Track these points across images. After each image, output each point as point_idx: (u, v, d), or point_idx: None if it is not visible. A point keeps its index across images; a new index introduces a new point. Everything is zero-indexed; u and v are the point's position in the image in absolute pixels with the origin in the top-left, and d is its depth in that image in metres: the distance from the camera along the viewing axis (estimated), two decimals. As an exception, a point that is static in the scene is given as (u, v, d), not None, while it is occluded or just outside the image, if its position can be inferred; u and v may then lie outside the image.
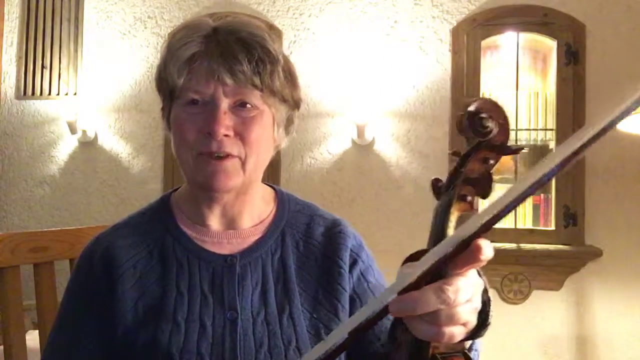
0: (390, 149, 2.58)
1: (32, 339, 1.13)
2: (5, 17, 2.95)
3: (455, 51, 2.55)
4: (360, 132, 2.51)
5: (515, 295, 2.44)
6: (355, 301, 0.81)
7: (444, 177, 0.59)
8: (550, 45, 2.56)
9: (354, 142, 2.59)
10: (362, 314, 0.49)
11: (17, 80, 2.92)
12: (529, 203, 2.49)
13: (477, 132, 0.52)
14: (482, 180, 0.52)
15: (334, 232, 0.83)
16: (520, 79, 2.58)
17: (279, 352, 0.73)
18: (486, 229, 0.44)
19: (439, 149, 2.54)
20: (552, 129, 2.48)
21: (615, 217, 2.39)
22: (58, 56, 2.88)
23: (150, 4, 2.83)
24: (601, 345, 2.40)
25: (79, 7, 2.87)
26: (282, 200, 0.86)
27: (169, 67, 0.73)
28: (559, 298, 2.43)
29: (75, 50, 2.87)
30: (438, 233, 0.52)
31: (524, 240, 2.42)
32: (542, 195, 2.51)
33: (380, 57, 2.59)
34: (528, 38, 2.60)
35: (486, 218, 0.44)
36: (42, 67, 2.90)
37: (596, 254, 2.38)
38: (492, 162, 0.53)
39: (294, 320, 0.75)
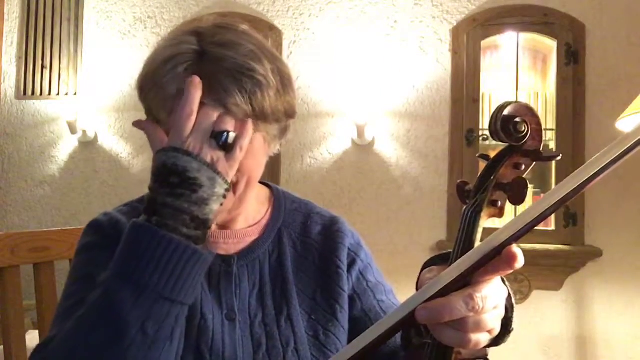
0: (390, 149, 2.58)
1: (32, 339, 1.13)
2: (5, 17, 2.95)
3: (455, 51, 2.55)
4: (360, 132, 2.51)
5: (515, 295, 2.42)
6: (356, 301, 0.80)
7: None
8: (550, 45, 2.56)
9: (354, 142, 2.59)
10: (388, 321, 0.49)
11: (17, 80, 2.92)
12: (528, 203, 2.49)
13: (510, 137, 0.50)
14: (516, 186, 0.51)
15: (331, 231, 0.82)
16: (520, 79, 2.58)
17: (278, 354, 0.72)
18: (519, 237, 0.45)
19: (439, 149, 2.54)
20: (552, 129, 2.48)
21: (615, 217, 2.39)
22: (58, 56, 2.88)
23: (150, 4, 2.83)
24: (601, 345, 2.40)
25: (79, 7, 2.87)
26: (278, 200, 0.85)
27: (150, 95, 0.69)
28: (559, 298, 2.43)
29: (75, 50, 2.87)
30: (466, 238, 0.52)
31: (523, 240, 2.41)
32: (542, 195, 2.51)
33: (380, 57, 2.60)
34: (528, 38, 2.60)
35: (519, 225, 0.44)
36: (42, 67, 2.90)
37: (596, 254, 2.38)
38: (524, 168, 0.52)
39: (292, 322, 0.75)
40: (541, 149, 0.52)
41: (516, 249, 0.46)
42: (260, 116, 0.68)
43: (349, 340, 0.78)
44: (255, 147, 0.71)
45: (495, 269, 0.46)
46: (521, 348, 2.42)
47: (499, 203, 0.52)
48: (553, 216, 2.45)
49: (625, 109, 1.77)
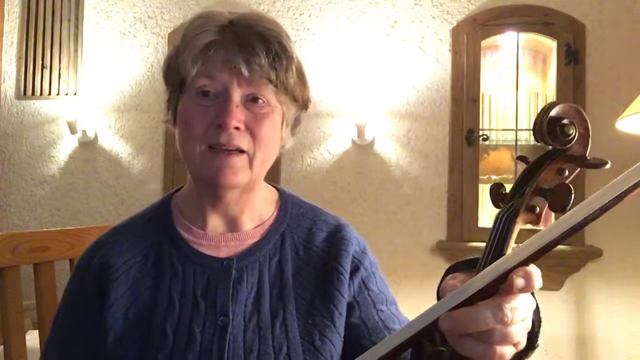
0: (390, 149, 2.58)
1: (32, 339, 1.13)
2: (5, 17, 2.95)
3: (455, 51, 2.55)
4: (360, 132, 2.51)
5: (515, 295, 2.43)
6: (354, 308, 0.78)
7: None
8: (550, 45, 2.56)
9: (354, 142, 2.59)
10: (409, 329, 0.47)
11: (17, 80, 2.92)
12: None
13: (556, 140, 0.47)
14: (558, 191, 0.47)
15: (336, 238, 0.81)
16: (520, 79, 2.58)
17: (269, 359, 0.71)
18: (529, 261, 0.44)
19: (439, 149, 2.54)
20: (552, 129, 2.48)
21: (615, 217, 2.39)
22: (58, 56, 2.88)
23: (150, 4, 2.83)
24: (601, 345, 2.40)
25: (79, 7, 2.87)
26: (285, 203, 0.85)
27: (183, 56, 0.71)
28: (559, 298, 2.43)
29: (75, 50, 2.87)
30: (498, 244, 0.49)
31: (523, 240, 2.41)
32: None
33: (380, 57, 2.59)
34: (528, 38, 2.60)
35: (532, 249, 0.43)
36: (42, 67, 2.90)
37: (596, 254, 2.38)
38: (567, 173, 0.48)
39: (287, 327, 0.73)
40: (587, 155, 0.48)
41: (518, 276, 0.44)
42: (282, 86, 0.73)
43: (343, 348, 0.77)
44: (275, 119, 0.74)
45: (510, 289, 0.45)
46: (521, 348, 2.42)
47: (537, 209, 0.49)
48: (553, 216, 2.45)
49: (625, 109, 1.77)
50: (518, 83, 2.57)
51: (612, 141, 2.22)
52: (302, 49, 2.65)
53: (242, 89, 0.71)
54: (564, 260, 2.39)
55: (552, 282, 2.43)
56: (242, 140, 0.71)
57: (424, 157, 2.56)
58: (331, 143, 2.62)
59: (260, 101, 0.72)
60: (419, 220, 2.55)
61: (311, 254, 0.80)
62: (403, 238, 2.55)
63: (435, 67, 2.57)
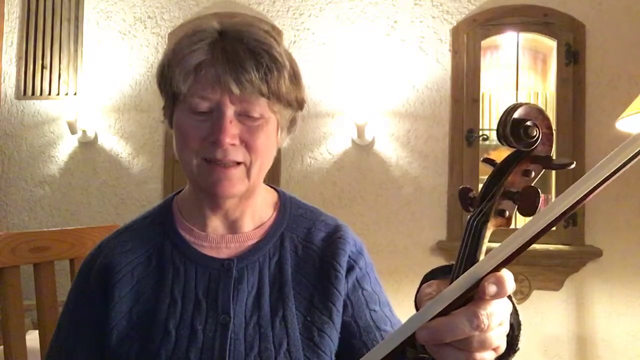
0: (390, 149, 2.58)
1: (32, 339, 1.13)
2: (5, 17, 2.95)
3: (455, 51, 2.55)
4: (360, 132, 2.51)
5: (515, 295, 2.43)
6: (347, 306, 0.80)
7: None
8: (550, 45, 2.56)
9: (354, 142, 2.59)
10: (388, 344, 0.47)
11: (17, 80, 2.92)
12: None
13: (520, 142, 0.47)
14: (526, 195, 0.46)
15: (334, 238, 0.83)
16: (520, 79, 2.58)
17: (270, 356, 0.73)
18: (500, 267, 0.43)
19: (439, 149, 2.54)
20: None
21: (615, 217, 2.39)
22: (58, 56, 2.88)
23: (150, 4, 2.82)
24: (601, 345, 2.40)
25: (79, 7, 2.87)
26: (284, 204, 0.86)
27: (175, 72, 0.72)
28: (559, 298, 2.43)
29: (75, 50, 2.87)
30: (471, 251, 0.48)
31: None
32: (542, 195, 2.51)
33: (380, 57, 2.59)
34: (528, 38, 2.60)
35: (503, 255, 0.43)
36: (42, 67, 2.90)
37: (596, 254, 2.38)
38: (533, 175, 0.48)
39: (287, 324, 0.75)
40: (552, 155, 0.48)
41: (490, 282, 0.43)
42: (274, 96, 0.73)
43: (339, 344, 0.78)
44: (270, 129, 0.75)
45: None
46: (521, 348, 2.42)
47: (507, 213, 0.48)
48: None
49: (625, 109, 1.77)
50: (518, 83, 2.57)
51: (612, 141, 2.22)
52: (302, 49, 2.65)
53: (235, 105, 0.72)
54: (564, 260, 2.39)
55: (552, 282, 2.43)
56: (237, 154, 0.72)
57: (424, 157, 2.56)
58: (331, 143, 2.62)
59: (254, 115, 0.73)
60: (419, 220, 2.55)
61: (310, 252, 0.81)
62: (403, 238, 2.55)
63: (435, 67, 2.57)
